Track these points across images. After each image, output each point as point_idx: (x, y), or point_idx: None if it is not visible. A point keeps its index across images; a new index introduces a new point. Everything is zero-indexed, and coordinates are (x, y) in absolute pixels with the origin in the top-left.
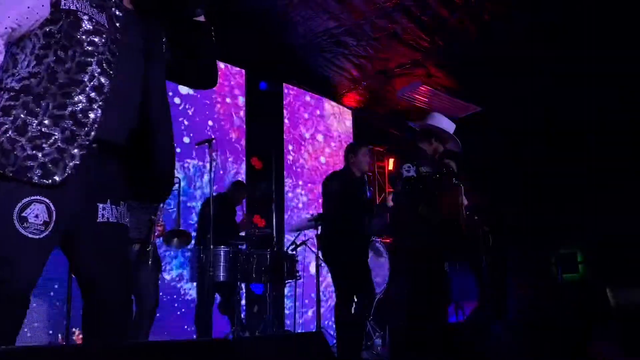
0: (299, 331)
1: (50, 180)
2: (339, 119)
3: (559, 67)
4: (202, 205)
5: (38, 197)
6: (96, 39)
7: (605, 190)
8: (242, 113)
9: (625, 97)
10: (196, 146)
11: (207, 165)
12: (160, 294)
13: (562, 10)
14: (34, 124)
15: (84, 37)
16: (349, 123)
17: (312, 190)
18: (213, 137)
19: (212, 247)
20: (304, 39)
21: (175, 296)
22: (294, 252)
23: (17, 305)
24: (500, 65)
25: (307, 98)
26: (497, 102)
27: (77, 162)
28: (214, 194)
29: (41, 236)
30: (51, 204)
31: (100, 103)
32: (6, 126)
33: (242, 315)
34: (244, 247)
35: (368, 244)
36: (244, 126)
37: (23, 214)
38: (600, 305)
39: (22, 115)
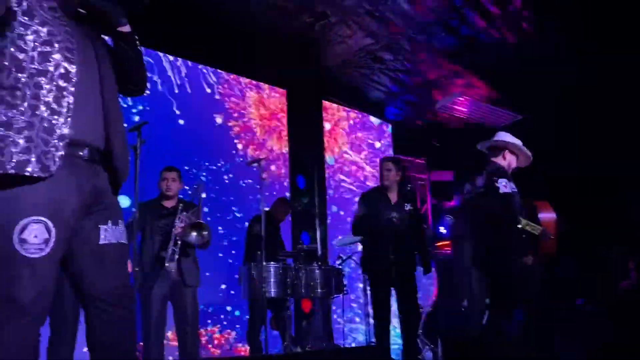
0: (349, 345)
1: (46, 174)
2: (378, 133)
3: (602, 68)
4: (249, 223)
5: (35, 218)
6: (54, 29)
7: None
8: (285, 132)
9: None
10: (247, 166)
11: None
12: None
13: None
14: (17, 115)
15: (41, 27)
16: (389, 136)
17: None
18: (262, 157)
19: (263, 263)
20: (342, 57)
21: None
22: (341, 267)
23: (28, 320)
24: (541, 72)
25: (346, 114)
26: (539, 109)
27: (62, 153)
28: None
29: (43, 254)
30: (49, 222)
31: (71, 89)
32: None
33: (292, 330)
34: (291, 262)
35: (411, 257)
36: (287, 144)
37: (22, 236)
38: None
39: (4, 111)
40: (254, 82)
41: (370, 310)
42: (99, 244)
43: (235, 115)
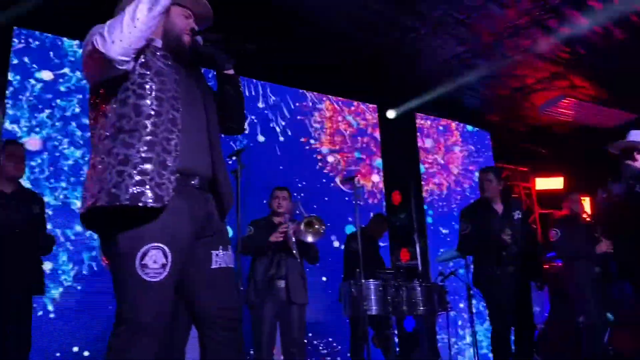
0: None
1: (159, 204)
2: (476, 142)
3: None
4: (346, 240)
5: (154, 244)
6: (165, 78)
7: None
8: (378, 147)
9: None
10: (340, 184)
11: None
12: None
13: None
14: (134, 153)
15: (155, 77)
16: (487, 145)
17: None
18: (356, 174)
19: (363, 281)
20: (433, 67)
21: None
22: (443, 283)
23: (148, 339)
24: None
25: (441, 126)
26: None
27: (174, 185)
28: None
29: (161, 278)
30: (166, 248)
31: (177, 133)
32: (113, 163)
33: (396, 348)
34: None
35: (524, 270)
36: (381, 159)
37: (143, 262)
38: None
39: (123, 150)
40: (343, 99)
41: (476, 328)
42: (211, 269)
43: (325, 133)
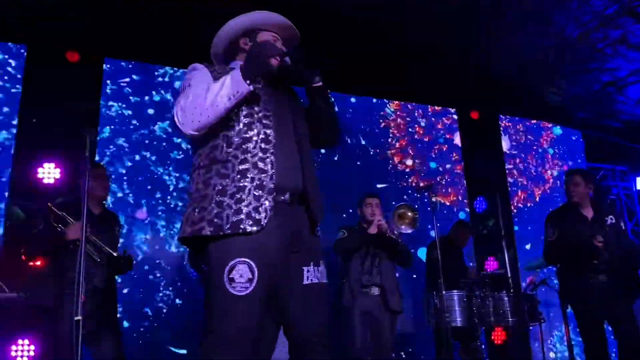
0: None
1: (258, 227)
2: (566, 142)
3: None
4: (427, 249)
5: (241, 259)
6: (254, 101)
7: None
8: (459, 151)
9: None
10: (416, 193)
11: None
12: None
13: None
14: (229, 183)
15: (243, 105)
16: (579, 145)
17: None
18: (433, 181)
19: (444, 291)
20: (515, 66)
21: None
22: (534, 293)
23: (232, 352)
24: None
25: (526, 126)
26: None
27: (272, 204)
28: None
29: (247, 292)
30: (252, 263)
31: (272, 150)
32: (212, 194)
33: None
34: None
35: (623, 280)
36: (463, 164)
37: (231, 276)
38: None
39: (219, 181)
40: (420, 104)
41: (573, 341)
42: (304, 285)
43: (401, 139)
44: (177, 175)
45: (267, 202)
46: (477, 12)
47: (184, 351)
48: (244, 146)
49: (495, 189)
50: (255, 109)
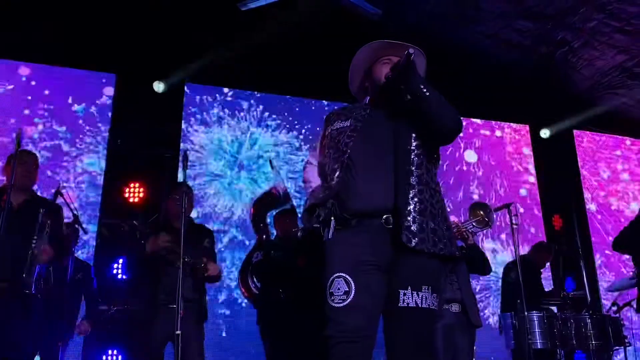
0: None
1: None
2: None
3: None
4: (504, 270)
5: (338, 274)
6: (340, 134)
7: None
8: (531, 167)
9: None
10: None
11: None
12: None
13: None
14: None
15: (329, 140)
16: None
17: None
18: (512, 201)
19: (525, 313)
20: (591, 81)
21: None
22: (618, 315)
23: (343, 347)
24: None
25: (603, 141)
26: None
27: (355, 220)
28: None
29: (344, 304)
30: (349, 277)
31: (355, 175)
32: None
33: None
34: (556, 311)
35: None
36: (536, 182)
37: (331, 289)
38: None
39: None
40: (493, 121)
41: None
42: (399, 307)
43: (471, 159)
44: None
45: (351, 218)
46: (550, 27)
47: None
48: (330, 175)
49: (570, 207)
50: (342, 139)
